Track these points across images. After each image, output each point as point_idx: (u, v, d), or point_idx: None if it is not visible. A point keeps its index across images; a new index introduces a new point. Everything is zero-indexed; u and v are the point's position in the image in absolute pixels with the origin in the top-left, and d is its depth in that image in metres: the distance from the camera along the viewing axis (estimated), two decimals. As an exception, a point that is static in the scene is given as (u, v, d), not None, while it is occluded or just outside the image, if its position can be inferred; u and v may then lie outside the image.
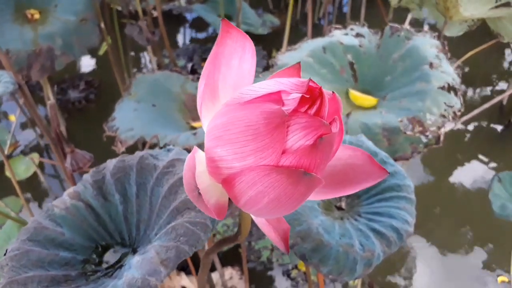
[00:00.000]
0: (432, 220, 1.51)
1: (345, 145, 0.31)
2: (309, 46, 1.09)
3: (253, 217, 0.32)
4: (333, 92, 0.27)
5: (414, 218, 0.66)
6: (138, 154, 0.41)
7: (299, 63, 0.31)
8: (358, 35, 1.12)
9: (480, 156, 1.74)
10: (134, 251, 0.40)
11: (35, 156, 1.62)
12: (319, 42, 1.09)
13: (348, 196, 0.70)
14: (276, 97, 0.25)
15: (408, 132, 0.88)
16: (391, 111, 0.95)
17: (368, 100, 1.05)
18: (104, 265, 0.39)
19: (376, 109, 1.01)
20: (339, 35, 1.11)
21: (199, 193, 0.26)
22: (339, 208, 0.68)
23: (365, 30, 1.14)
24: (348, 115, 0.97)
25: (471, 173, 1.67)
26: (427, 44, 1.04)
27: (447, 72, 0.98)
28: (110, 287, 0.33)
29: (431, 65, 0.99)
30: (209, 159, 0.27)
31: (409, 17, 1.56)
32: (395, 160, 0.90)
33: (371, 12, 2.29)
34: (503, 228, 1.40)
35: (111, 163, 0.42)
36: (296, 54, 1.06)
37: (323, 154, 0.25)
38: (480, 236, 1.46)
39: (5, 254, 0.36)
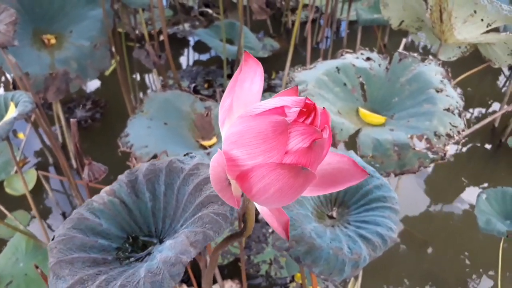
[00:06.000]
0: (424, 236, 1.55)
1: (334, 152, 0.39)
2: (324, 66, 1.18)
3: (259, 209, 0.39)
4: (323, 107, 0.34)
5: (398, 226, 0.72)
6: (167, 159, 0.48)
7: (296, 86, 0.39)
8: (368, 59, 1.21)
9: (472, 175, 1.80)
10: (161, 242, 0.46)
11: (33, 172, 1.68)
12: (333, 63, 1.18)
13: (339, 206, 0.76)
14: (280, 110, 0.33)
15: (417, 148, 0.97)
16: (400, 129, 1.03)
17: (377, 118, 1.12)
18: (135, 253, 0.45)
19: (384, 127, 1.09)
20: (351, 58, 1.20)
21: (229, 183, 0.33)
22: (331, 217, 0.75)
23: (374, 55, 1.23)
24: (359, 130, 1.04)
25: (462, 192, 1.71)
26: (432, 71, 1.13)
27: (451, 95, 1.07)
28: (145, 266, 0.39)
29: (437, 89, 1.08)
30: (228, 159, 0.34)
31: (403, 41, 1.65)
32: (402, 173, 0.98)
33: (368, 37, 2.38)
34: (493, 245, 1.43)
35: (143, 166, 0.49)
36: (312, 73, 1.15)
37: (316, 154, 0.33)
38: (470, 253, 1.49)
39: (53, 239, 0.43)
